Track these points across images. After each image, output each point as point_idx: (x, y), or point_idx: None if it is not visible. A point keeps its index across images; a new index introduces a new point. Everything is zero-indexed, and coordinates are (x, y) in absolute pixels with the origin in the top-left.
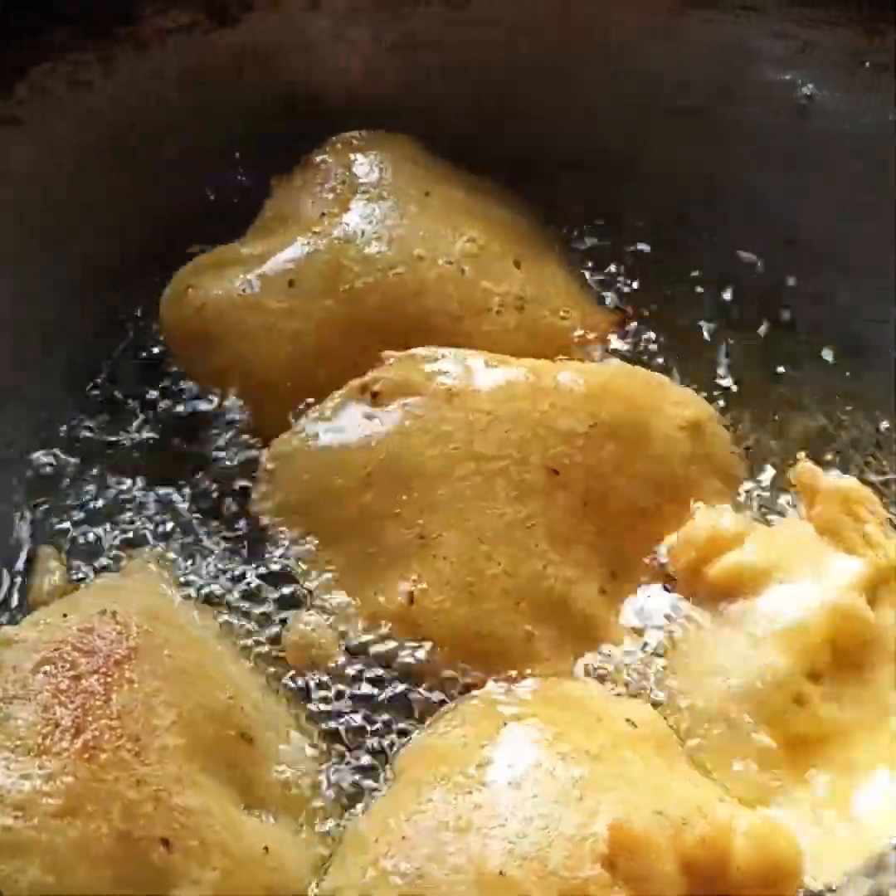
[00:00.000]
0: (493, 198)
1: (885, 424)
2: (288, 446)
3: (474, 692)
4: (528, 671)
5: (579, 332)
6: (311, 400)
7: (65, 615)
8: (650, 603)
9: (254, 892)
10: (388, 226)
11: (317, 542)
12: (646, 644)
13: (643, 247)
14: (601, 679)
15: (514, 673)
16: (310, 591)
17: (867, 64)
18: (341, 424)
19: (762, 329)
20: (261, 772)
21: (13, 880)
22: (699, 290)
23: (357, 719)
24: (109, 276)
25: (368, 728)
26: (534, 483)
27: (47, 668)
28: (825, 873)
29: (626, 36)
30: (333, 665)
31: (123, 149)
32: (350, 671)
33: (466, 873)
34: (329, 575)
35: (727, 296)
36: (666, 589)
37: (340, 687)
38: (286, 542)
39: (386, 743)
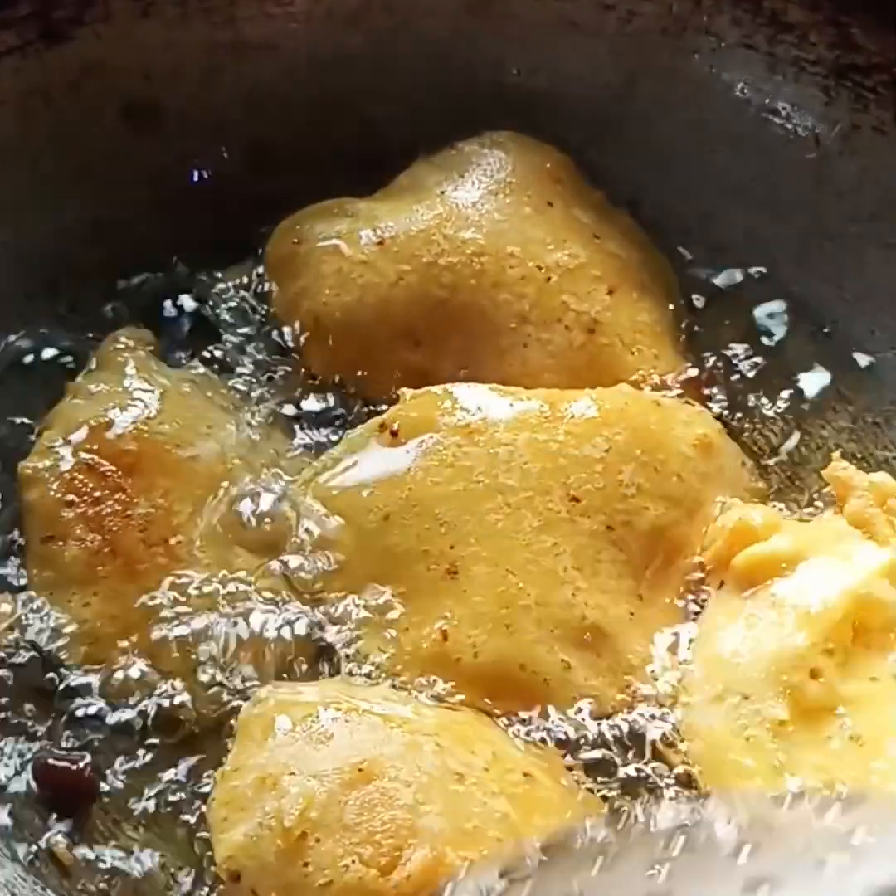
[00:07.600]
0: (619, 228)
1: None
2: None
3: None
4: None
5: (641, 372)
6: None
7: (65, 439)
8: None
9: None
10: (494, 219)
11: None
12: (678, 663)
13: None
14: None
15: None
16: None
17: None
18: (361, 464)
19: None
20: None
21: None
22: None
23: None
24: None
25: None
26: (557, 511)
27: (70, 499)
28: None
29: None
30: None
31: None
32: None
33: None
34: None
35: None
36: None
37: None
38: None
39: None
